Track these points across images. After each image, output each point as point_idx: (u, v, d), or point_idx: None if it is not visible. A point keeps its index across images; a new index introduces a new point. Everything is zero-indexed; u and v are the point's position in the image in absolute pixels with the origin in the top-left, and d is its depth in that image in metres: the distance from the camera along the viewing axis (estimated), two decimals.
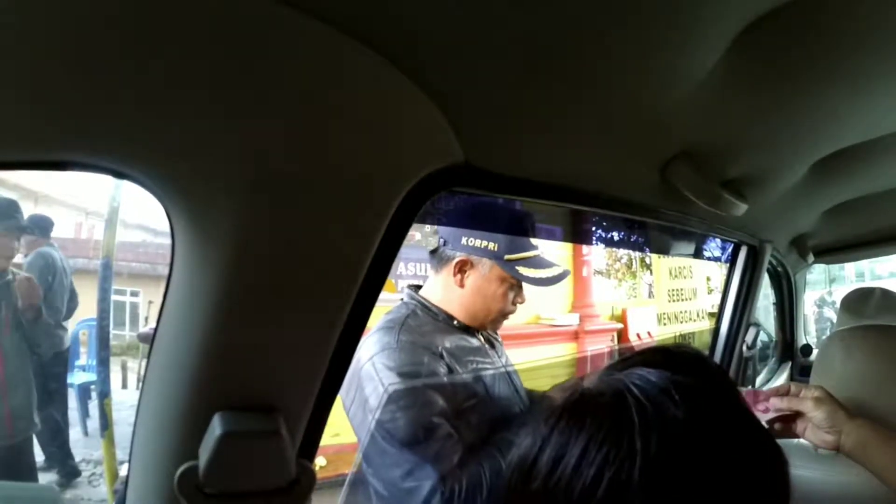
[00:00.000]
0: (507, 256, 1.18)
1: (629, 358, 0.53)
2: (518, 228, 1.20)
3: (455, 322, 1.21)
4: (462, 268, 1.19)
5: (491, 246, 1.18)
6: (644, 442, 0.44)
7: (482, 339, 1.26)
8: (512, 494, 0.49)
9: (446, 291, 1.22)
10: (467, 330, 1.22)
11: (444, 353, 1.13)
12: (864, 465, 0.84)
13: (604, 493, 0.43)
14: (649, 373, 0.49)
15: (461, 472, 1.04)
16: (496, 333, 1.34)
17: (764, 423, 0.92)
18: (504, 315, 1.25)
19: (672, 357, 0.52)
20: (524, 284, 1.23)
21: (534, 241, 1.24)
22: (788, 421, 0.93)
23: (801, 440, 1.01)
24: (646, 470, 0.43)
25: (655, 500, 0.43)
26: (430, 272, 1.27)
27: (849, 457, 0.86)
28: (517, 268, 1.19)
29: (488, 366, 1.22)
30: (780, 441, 0.51)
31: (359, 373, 1.08)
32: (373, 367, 1.08)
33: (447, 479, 1.03)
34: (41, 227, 2.65)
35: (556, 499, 0.45)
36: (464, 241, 1.19)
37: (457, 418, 1.09)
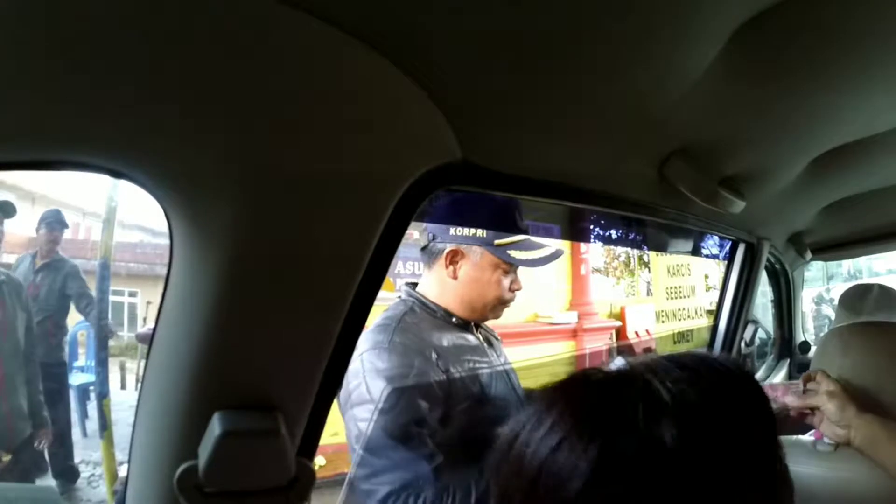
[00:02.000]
0: (496, 241, 1.17)
1: (667, 356, 0.51)
2: (511, 220, 1.20)
3: (454, 319, 1.20)
4: (453, 258, 1.18)
5: (479, 232, 1.17)
6: (608, 427, 0.43)
7: (481, 337, 1.24)
8: (498, 457, 0.49)
9: (441, 286, 1.21)
10: (466, 327, 1.21)
11: (438, 356, 1.12)
12: (873, 459, 0.86)
13: (562, 460, 0.43)
14: (663, 370, 0.46)
15: (426, 485, 1.03)
16: (494, 333, 1.33)
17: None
18: (502, 303, 1.23)
19: (701, 366, 0.48)
20: (519, 271, 1.23)
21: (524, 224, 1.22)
22: (802, 414, 0.95)
23: (800, 437, 1.02)
24: (602, 454, 0.42)
25: (599, 487, 0.42)
26: (424, 270, 1.26)
27: (858, 451, 0.87)
28: (508, 251, 1.18)
29: (485, 365, 1.21)
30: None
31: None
32: (360, 364, 1.07)
33: (406, 489, 1.02)
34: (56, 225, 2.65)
35: (524, 459, 0.45)
36: (452, 231, 1.18)
37: (449, 420, 1.08)
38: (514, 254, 1.18)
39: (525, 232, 1.21)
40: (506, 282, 1.21)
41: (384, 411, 1.04)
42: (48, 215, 2.66)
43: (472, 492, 1.02)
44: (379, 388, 1.04)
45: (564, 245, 4.35)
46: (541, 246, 1.23)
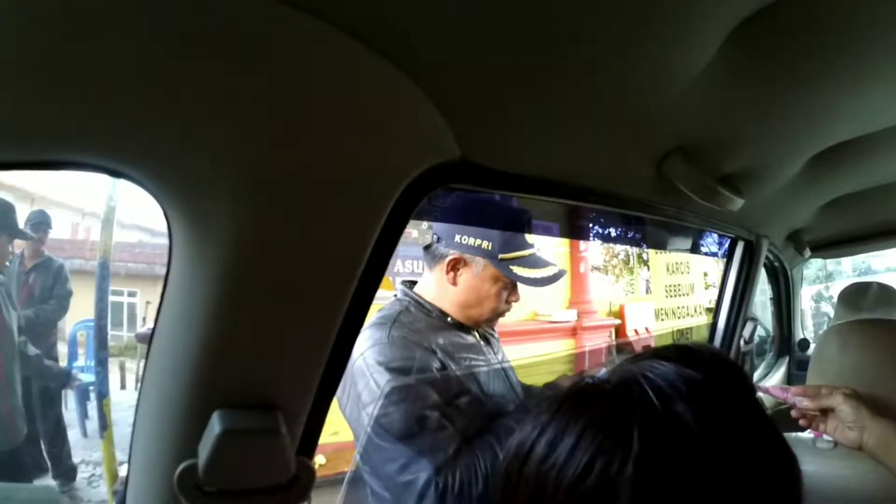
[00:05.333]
0: (501, 256, 1.16)
1: (645, 352, 0.51)
2: (514, 226, 1.19)
3: (449, 319, 1.20)
4: (455, 266, 1.18)
5: (485, 245, 1.16)
6: (642, 435, 0.42)
7: (477, 336, 1.25)
8: (507, 479, 0.48)
9: (439, 289, 1.21)
10: (461, 327, 1.21)
11: (437, 349, 1.13)
12: (884, 463, 0.86)
13: (594, 482, 0.42)
14: (662, 366, 0.47)
15: (457, 463, 1.03)
16: (492, 329, 1.33)
17: (793, 413, 0.97)
18: (498, 314, 1.23)
19: (689, 353, 0.49)
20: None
21: (530, 239, 1.22)
22: (810, 418, 0.95)
23: (800, 434, 1.02)
24: (640, 464, 0.41)
25: (645, 497, 0.41)
26: (424, 269, 1.25)
27: (870, 454, 0.88)
28: (511, 267, 1.17)
29: (482, 363, 1.21)
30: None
31: (351, 368, 1.08)
32: (364, 363, 1.08)
33: (443, 470, 1.02)
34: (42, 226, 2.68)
35: (546, 485, 0.44)
36: (457, 238, 1.17)
37: (450, 414, 1.08)
38: (518, 270, 1.17)
39: (531, 247, 1.21)
40: (504, 294, 1.21)
41: (399, 401, 1.04)
42: (33, 216, 2.70)
43: (498, 454, 1.02)
44: (386, 381, 1.05)
45: (564, 243, 4.35)
46: (545, 264, 1.22)
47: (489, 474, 1.02)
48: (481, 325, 1.25)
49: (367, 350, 1.09)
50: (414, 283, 1.26)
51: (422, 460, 1.02)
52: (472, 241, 1.17)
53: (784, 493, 0.46)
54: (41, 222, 2.68)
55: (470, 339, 1.22)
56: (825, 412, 0.94)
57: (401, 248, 0.67)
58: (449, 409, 1.09)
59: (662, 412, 0.43)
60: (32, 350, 2.44)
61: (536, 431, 0.47)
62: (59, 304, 2.63)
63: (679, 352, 0.49)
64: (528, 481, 0.46)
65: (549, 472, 0.44)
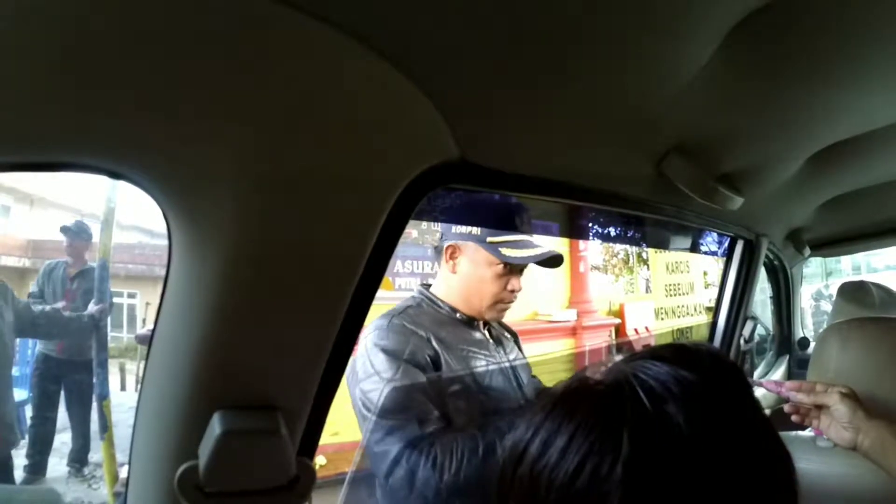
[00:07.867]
0: (489, 239, 1.22)
1: (641, 352, 0.51)
2: (506, 219, 1.25)
3: (458, 315, 1.24)
4: (453, 254, 1.25)
5: (475, 230, 1.23)
6: (633, 436, 0.42)
7: (487, 334, 1.28)
8: (502, 479, 0.48)
9: (446, 281, 1.27)
10: (470, 324, 1.25)
11: (433, 339, 1.18)
12: (879, 464, 0.85)
13: (584, 483, 0.42)
14: (655, 366, 0.46)
15: (432, 443, 1.08)
16: (508, 331, 1.38)
17: (786, 408, 0.96)
18: (500, 302, 1.26)
19: (685, 353, 0.49)
20: (520, 276, 1.27)
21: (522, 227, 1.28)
22: (804, 413, 0.94)
23: (799, 433, 1.02)
24: (630, 466, 0.41)
25: (635, 499, 0.40)
26: (436, 267, 1.33)
27: (865, 456, 0.87)
28: (500, 249, 1.22)
29: (482, 358, 1.25)
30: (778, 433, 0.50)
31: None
32: (364, 345, 1.15)
33: (415, 446, 1.07)
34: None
35: (539, 485, 0.44)
36: (454, 229, 1.25)
37: (437, 400, 1.13)
38: (506, 251, 1.22)
39: (521, 231, 1.26)
40: (502, 281, 1.24)
41: (388, 380, 1.11)
42: (74, 226, 2.86)
43: (479, 446, 1.07)
44: (380, 360, 1.12)
45: (563, 243, 4.35)
46: (535, 246, 1.26)
47: (464, 459, 1.07)
48: (485, 316, 1.27)
49: (368, 334, 1.16)
50: (430, 285, 1.31)
51: (397, 434, 1.08)
52: (463, 228, 1.25)
53: (779, 496, 0.46)
54: (82, 231, 2.82)
55: (477, 335, 1.26)
56: (820, 409, 0.93)
57: (400, 248, 0.67)
58: (438, 394, 1.14)
59: (653, 413, 0.43)
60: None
61: (531, 431, 0.47)
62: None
63: (675, 351, 0.49)
64: (522, 481, 0.45)
65: (541, 472, 0.44)
